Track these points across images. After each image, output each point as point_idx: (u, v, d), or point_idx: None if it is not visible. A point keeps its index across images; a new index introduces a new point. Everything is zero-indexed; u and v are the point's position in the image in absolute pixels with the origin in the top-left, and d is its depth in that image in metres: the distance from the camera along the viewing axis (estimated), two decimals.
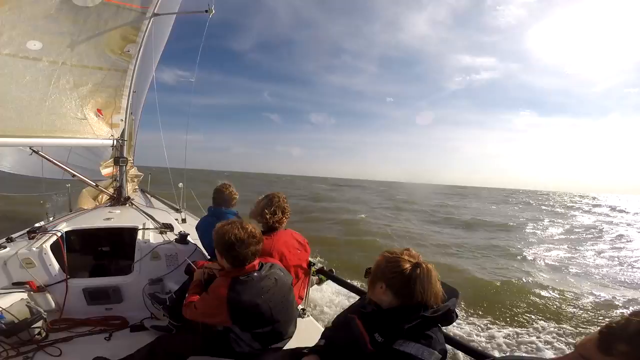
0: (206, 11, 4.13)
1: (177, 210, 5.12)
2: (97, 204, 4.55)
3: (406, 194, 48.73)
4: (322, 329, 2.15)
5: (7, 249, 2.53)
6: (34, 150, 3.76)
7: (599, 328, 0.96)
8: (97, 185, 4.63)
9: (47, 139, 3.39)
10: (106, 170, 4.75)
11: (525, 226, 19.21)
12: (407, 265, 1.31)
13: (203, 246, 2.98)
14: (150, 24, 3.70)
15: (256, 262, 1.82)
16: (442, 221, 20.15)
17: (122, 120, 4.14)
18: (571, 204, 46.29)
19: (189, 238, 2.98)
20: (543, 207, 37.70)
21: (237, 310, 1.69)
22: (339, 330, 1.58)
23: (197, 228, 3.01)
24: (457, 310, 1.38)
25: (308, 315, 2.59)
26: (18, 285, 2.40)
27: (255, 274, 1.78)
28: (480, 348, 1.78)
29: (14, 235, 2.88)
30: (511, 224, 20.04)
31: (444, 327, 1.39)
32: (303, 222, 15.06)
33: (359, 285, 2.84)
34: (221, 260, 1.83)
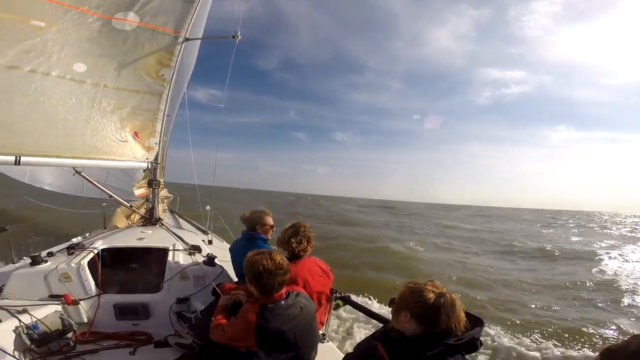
0: (233, 37, 4.34)
1: (204, 232, 5.27)
2: (130, 222, 4.71)
3: (446, 217, 43.73)
4: (341, 355, 2.21)
5: (49, 263, 2.66)
6: (77, 171, 4.01)
7: (599, 352, 1.06)
8: (131, 206, 4.83)
9: (90, 160, 3.58)
10: (139, 191, 4.95)
11: (614, 255, 15.71)
12: (431, 295, 1.36)
13: (233, 266, 3.02)
14: (182, 48, 3.94)
15: (283, 290, 1.91)
16: (512, 251, 16.72)
17: (156, 143, 4.32)
18: (637, 227, 40.01)
19: (215, 261, 3.10)
20: (607, 231, 32.14)
21: (264, 336, 1.77)
22: (361, 356, 1.59)
23: (230, 249, 3.11)
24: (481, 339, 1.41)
25: (328, 341, 2.58)
26: (54, 297, 2.50)
27: (283, 302, 1.87)
28: None
29: (54, 250, 3.04)
30: (597, 251, 16.52)
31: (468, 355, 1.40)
32: (337, 252, 12.55)
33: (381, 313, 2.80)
34: (250, 287, 1.92)
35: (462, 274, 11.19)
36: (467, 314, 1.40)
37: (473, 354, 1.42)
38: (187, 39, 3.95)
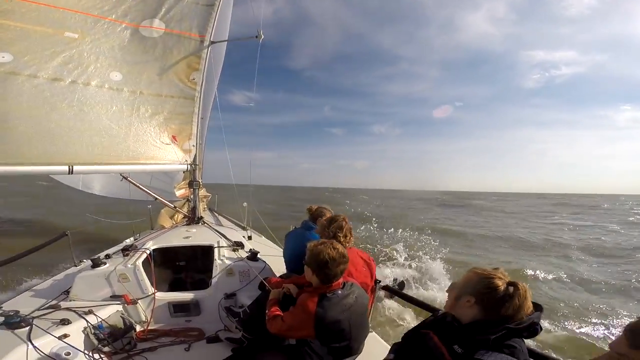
0: (256, 37, 4.36)
1: (243, 228, 5.46)
2: (174, 222, 4.96)
3: (521, 208, 36.63)
4: (386, 345, 2.30)
5: (107, 265, 2.82)
6: (124, 177, 4.27)
7: (623, 329, 1.15)
8: (175, 207, 5.09)
9: (135, 166, 3.75)
10: (180, 192, 5.23)
11: None
12: (502, 283, 1.36)
13: (284, 252, 3.13)
14: (209, 51, 4.01)
15: (341, 280, 1.97)
16: None
17: (193, 145, 4.45)
18: None
19: (258, 255, 3.17)
20: None
21: (321, 325, 1.81)
22: (409, 345, 1.62)
23: (286, 236, 3.21)
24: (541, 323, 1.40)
25: (371, 331, 2.54)
26: (115, 298, 2.65)
27: (340, 291, 1.92)
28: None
29: (110, 252, 3.24)
30: None
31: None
32: None
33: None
34: (311, 277, 1.97)
35: None
36: None
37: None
38: (212, 42, 4.03)
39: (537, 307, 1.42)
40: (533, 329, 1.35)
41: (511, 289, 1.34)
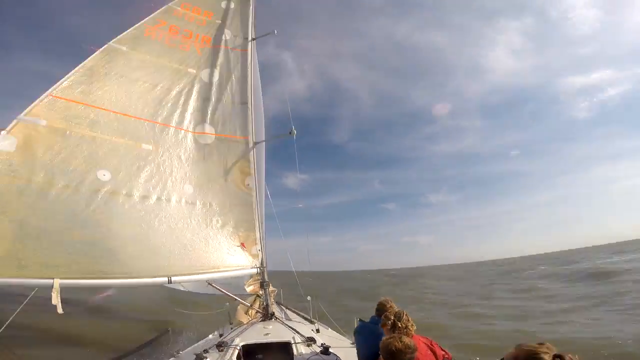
0: (290, 133, 5.07)
1: (311, 322, 5.64)
2: (250, 317, 5.27)
3: None
4: None
5: (209, 359, 3.25)
6: (209, 283, 4.84)
7: None
8: (250, 306, 5.48)
9: (218, 273, 4.23)
10: (249, 288, 5.66)
11: None
12: (548, 357, 1.44)
13: (358, 349, 3.41)
14: (254, 152, 4.64)
15: None
16: None
17: (259, 250, 4.90)
18: None
19: (330, 350, 3.52)
20: None
21: None
22: None
23: (357, 332, 3.50)
24: None
25: None
26: None
27: None
28: None
29: (206, 347, 3.61)
30: None
31: None
32: None
33: None
34: None
35: None
36: None
37: None
38: (255, 143, 4.64)
39: None
40: None
41: None
